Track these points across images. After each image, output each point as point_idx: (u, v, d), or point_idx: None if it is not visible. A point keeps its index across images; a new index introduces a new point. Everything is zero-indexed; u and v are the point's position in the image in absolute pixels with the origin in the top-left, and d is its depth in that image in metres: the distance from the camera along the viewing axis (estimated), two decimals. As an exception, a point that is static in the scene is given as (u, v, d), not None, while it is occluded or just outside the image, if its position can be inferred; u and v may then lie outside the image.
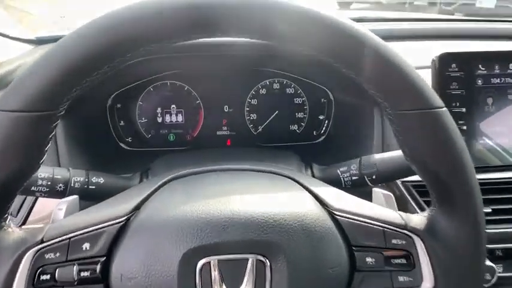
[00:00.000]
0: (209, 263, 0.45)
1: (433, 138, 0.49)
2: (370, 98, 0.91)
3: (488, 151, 0.86)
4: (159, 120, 1.09)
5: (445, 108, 0.49)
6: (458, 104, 0.83)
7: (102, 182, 0.73)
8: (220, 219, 0.47)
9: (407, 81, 0.47)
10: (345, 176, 0.76)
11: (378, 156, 0.75)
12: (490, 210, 0.83)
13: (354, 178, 0.75)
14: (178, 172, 0.61)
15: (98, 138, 1.00)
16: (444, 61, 0.82)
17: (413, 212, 0.67)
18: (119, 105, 1.06)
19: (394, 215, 0.54)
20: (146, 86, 1.07)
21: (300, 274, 0.46)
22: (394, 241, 0.52)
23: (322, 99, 1.12)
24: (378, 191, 0.65)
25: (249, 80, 1.10)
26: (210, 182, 0.58)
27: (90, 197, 0.71)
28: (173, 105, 1.09)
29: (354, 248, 0.51)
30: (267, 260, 0.45)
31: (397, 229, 0.52)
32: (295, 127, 1.14)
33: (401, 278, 0.51)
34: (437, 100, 0.49)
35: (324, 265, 0.48)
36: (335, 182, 0.75)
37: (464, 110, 0.83)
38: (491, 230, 0.84)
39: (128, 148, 1.08)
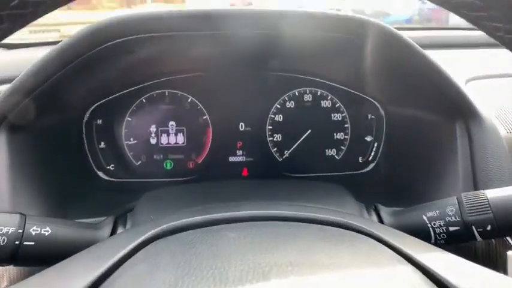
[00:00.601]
0: None
1: None
2: (449, 110, 0.64)
3: None
4: (153, 141, 0.83)
5: None
6: None
7: (46, 234, 0.45)
8: None
9: None
10: (437, 225, 0.48)
11: (492, 192, 0.47)
12: None
13: (452, 229, 0.47)
14: (168, 223, 0.35)
15: (66, 165, 0.72)
16: None
17: None
18: (99, 121, 0.80)
19: None
20: (137, 97, 0.81)
21: None
22: None
23: (369, 115, 0.85)
24: None
25: (272, 90, 0.84)
26: (223, 244, 0.32)
27: (26, 259, 0.44)
28: (172, 122, 0.83)
29: None
30: None
31: None
32: (332, 152, 0.86)
33: None
34: None
35: None
36: (419, 234, 0.46)
37: None
38: None
39: (108, 179, 0.80)
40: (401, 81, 0.70)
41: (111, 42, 0.54)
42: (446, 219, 0.49)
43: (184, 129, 0.83)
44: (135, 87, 0.80)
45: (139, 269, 0.33)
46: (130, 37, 0.55)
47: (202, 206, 0.43)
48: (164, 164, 0.83)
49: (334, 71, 0.82)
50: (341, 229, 0.38)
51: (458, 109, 0.63)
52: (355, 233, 0.38)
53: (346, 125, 0.86)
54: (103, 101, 0.79)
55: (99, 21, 0.57)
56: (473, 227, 0.46)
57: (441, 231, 0.49)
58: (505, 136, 0.65)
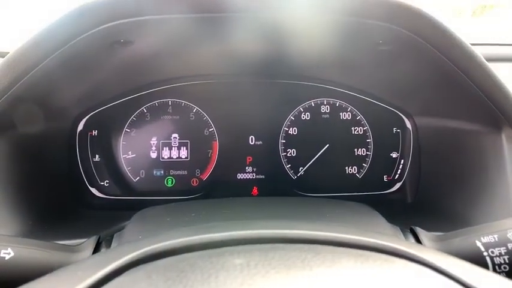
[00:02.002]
0: None
1: None
2: (493, 117, 0.55)
3: None
4: (153, 155, 0.75)
5: None
6: None
7: (7, 257, 0.37)
8: None
9: None
10: (496, 253, 0.38)
11: None
12: None
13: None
14: (153, 244, 0.26)
15: (53, 179, 0.64)
16: None
17: None
18: (94, 132, 0.72)
19: None
20: (137, 106, 0.74)
21: None
22: None
23: (395, 129, 0.76)
24: None
25: (286, 100, 0.76)
26: (225, 274, 0.27)
27: None
28: (175, 135, 0.75)
29: None
30: None
31: None
32: (353, 169, 0.77)
33: None
34: None
35: None
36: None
37: None
38: None
39: (102, 196, 0.71)
40: (440, 89, 0.61)
41: (103, 26, 0.46)
42: (509, 246, 0.39)
43: (189, 142, 0.75)
44: (134, 95, 0.73)
45: None
46: (124, 20, 0.47)
47: (203, 225, 0.34)
48: (165, 181, 0.74)
49: (355, 78, 0.74)
50: (384, 255, 0.29)
51: (505, 115, 0.54)
52: (405, 260, 0.28)
53: (368, 140, 0.77)
54: (99, 109, 0.72)
55: (87, 2, 0.48)
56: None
57: (502, 261, 0.38)
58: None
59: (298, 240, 0.30)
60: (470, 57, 0.50)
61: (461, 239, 0.43)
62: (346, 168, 0.77)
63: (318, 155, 0.76)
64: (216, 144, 0.75)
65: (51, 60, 0.46)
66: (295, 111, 0.77)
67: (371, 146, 0.77)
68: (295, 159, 0.77)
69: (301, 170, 0.76)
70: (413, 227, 0.49)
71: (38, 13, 1.05)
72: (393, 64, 0.61)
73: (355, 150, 0.77)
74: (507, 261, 0.39)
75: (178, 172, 0.75)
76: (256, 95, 0.76)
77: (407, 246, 0.31)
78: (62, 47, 0.45)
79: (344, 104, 0.77)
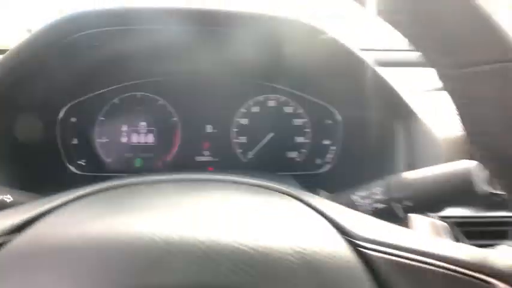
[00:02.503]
0: None
1: None
2: (390, 109, 0.72)
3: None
4: (124, 140, 0.87)
5: None
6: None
7: (8, 201, 0.50)
8: (162, 247, 0.29)
9: (482, 27, 0.28)
10: (365, 203, 0.53)
11: (413, 174, 0.53)
12: None
13: (378, 206, 0.52)
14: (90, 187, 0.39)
15: (40, 157, 0.76)
16: None
17: None
18: (73, 120, 0.84)
19: (455, 248, 0.32)
20: (110, 98, 0.86)
21: None
22: None
23: (328, 121, 0.92)
24: (418, 218, 0.43)
25: (238, 95, 0.91)
26: (153, 193, 0.36)
27: None
28: (143, 123, 0.88)
29: None
30: None
31: (466, 271, 0.30)
32: (294, 154, 0.92)
33: None
34: None
35: None
36: None
37: None
38: None
39: (79, 172, 0.84)
40: (353, 90, 0.77)
41: (81, 33, 0.60)
42: (373, 198, 0.55)
43: (155, 129, 0.89)
44: (108, 89, 0.86)
45: (69, 211, 0.35)
46: (93, 30, 0.61)
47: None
48: (134, 162, 0.88)
49: (293, 79, 0.90)
50: (266, 189, 0.43)
51: (398, 109, 0.71)
52: (279, 193, 0.43)
53: (306, 130, 0.93)
54: (77, 100, 0.84)
55: (63, 16, 0.61)
56: (396, 203, 0.52)
57: (368, 209, 0.54)
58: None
59: (207, 179, 0.44)
60: (366, 67, 0.67)
61: (343, 194, 0.59)
62: (288, 152, 0.93)
63: (264, 141, 0.91)
64: (178, 132, 0.89)
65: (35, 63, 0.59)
66: (246, 105, 0.92)
67: (309, 135, 0.93)
68: (245, 145, 0.91)
69: (250, 154, 0.92)
70: (318, 189, 0.65)
71: (38, 13, 1.14)
72: (317, 72, 0.77)
73: (296, 138, 0.93)
74: (371, 209, 0.55)
75: (146, 154, 0.88)
76: (214, 91, 0.90)
77: (292, 189, 0.45)
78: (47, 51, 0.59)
79: (287, 99, 0.92)
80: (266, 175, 0.75)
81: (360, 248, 0.32)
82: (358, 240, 0.33)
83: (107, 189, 0.40)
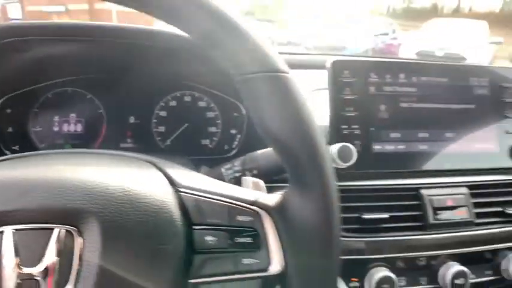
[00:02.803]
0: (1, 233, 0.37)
1: (279, 105, 0.46)
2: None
3: (384, 156, 0.85)
4: (56, 129, 1.01)
5: (291, 75, 0.47)
6: (352, 109, 0.83)
7: None
8: (20, 181, 0.40)
9: (250, 43, 0.45)
10: (228, 173, 0.71)
11: (261, 151, 0.72)
12: (387, 216, 0.80)
13: (236, 175, 0.71)
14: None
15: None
16: (337, 67, 0.83)
17: None
18: (8, 110, 0.97)
19: (243, 192, 0.49)
20: (44, 92, 1.00)
21: (118, 247, 0.39)
22: (239, 218, 0.47)
23: (235, 114, 1.10)
24: (246, 179, 0.61)
25: (158, 91, 1.06)
26: (39, 159, 0.50)
27: None
28: (73, 114, 1.02)
29: (194, 226, 0.45)
30: (77, 231, 0.38)
31: (244, 205, 0.47)
32: (207, 141, 1.09)
33: (246, 261, 0.46)
34: (282, 64, 0.47)
35: (153, 241, 0.41)
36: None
37: (357, 114, 0.83)
38: (390, 237, 0.81)
39: (13, 156, 0.97)
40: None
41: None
42: (234, 169, 0.73)
43: (83, 120, 1.03)
44: (42, 84, 1.00)
45: None
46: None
47: None
48: (64, 147, 1.02)
49: (207, 78, 1.07)
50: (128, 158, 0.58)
51: None
52: (132, 158, 0.56)
53: (217, 121, 1.10)
54: (13, 93, 0.97)
55: None
56: (247, 172, 0.71)
57: (231, 177, 0.73)
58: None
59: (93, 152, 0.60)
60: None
61: (217, 168, 0.77)
62: (202, 140, 1.10)
63: (180, 130, 1.08)
64: (104, 122, 1.04)
65: None
66: (164, 99, 1.08)
67: (219, 126, 1.11)
68: (164, 134, 1.08)
69: (168, 141, 1.08)
70: (202, 165, 0.83)
71: None
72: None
73: (208, 128, 1.10)
74: (233, 175, 0.73)
75: (75, 141, 1.02)
76: (137, 87, 1.06)
77: (152, 158, 0.61)
78: None
79: (201, 95, 1.09)
80: (178, 159, 0.93)
81: (178, 192, 0.50)
82: (179, 186, 0.47)
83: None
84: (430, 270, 0.83)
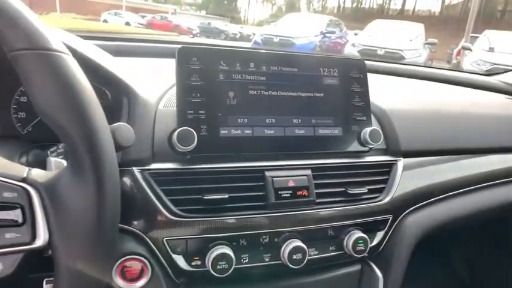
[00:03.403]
0: None
1: (49, 83, 0.47)
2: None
3: (231, 140, 0.89)
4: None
5: (66, 55, 0.48)
6: (198, 95, 0.86)
7: None
8: None
9: (19, 21, 0.46)
10: (53, 156, 0.71)
11: None
12: (227, 196, 0.84)
13: (60, 157, 0.70)
14: None
15: None
16: (183, 54, 0.86)
17: None
18: None
19: (14, 167, 0.50)
20: None
21: None
22: (5, 194, 0.47)
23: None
24: (50, 159, 0.62)
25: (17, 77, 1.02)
26: None
27: None
28: None
29: None
30: None
31: (12, 181, 0.48)
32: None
33: (8, 235, 0.46)
34: (56, 44, 0.48)
35: None
36: (43, 164, 0.69)
37: (204, 99, 0.86)
38: (231, 217, 0.85)
39: None
40: None
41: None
42: (58, 151, 0.73)
43: None
44: None
45: None
46: None
47: None
48: None
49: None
50: None
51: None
52: None
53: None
54: None
55: None
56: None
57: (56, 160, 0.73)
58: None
59: None
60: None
61: (44, 152, 0.77)
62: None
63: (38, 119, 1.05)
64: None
65: None
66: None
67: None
68: (24, 120, 1.04)
69: (30, 127, 1.04)
70: (34, 149, 0.82)
71: None
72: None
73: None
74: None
75: None
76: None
77: None
78: None
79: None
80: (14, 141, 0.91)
81: None
82: None
83: None
84: (274, 247, 0.89)
